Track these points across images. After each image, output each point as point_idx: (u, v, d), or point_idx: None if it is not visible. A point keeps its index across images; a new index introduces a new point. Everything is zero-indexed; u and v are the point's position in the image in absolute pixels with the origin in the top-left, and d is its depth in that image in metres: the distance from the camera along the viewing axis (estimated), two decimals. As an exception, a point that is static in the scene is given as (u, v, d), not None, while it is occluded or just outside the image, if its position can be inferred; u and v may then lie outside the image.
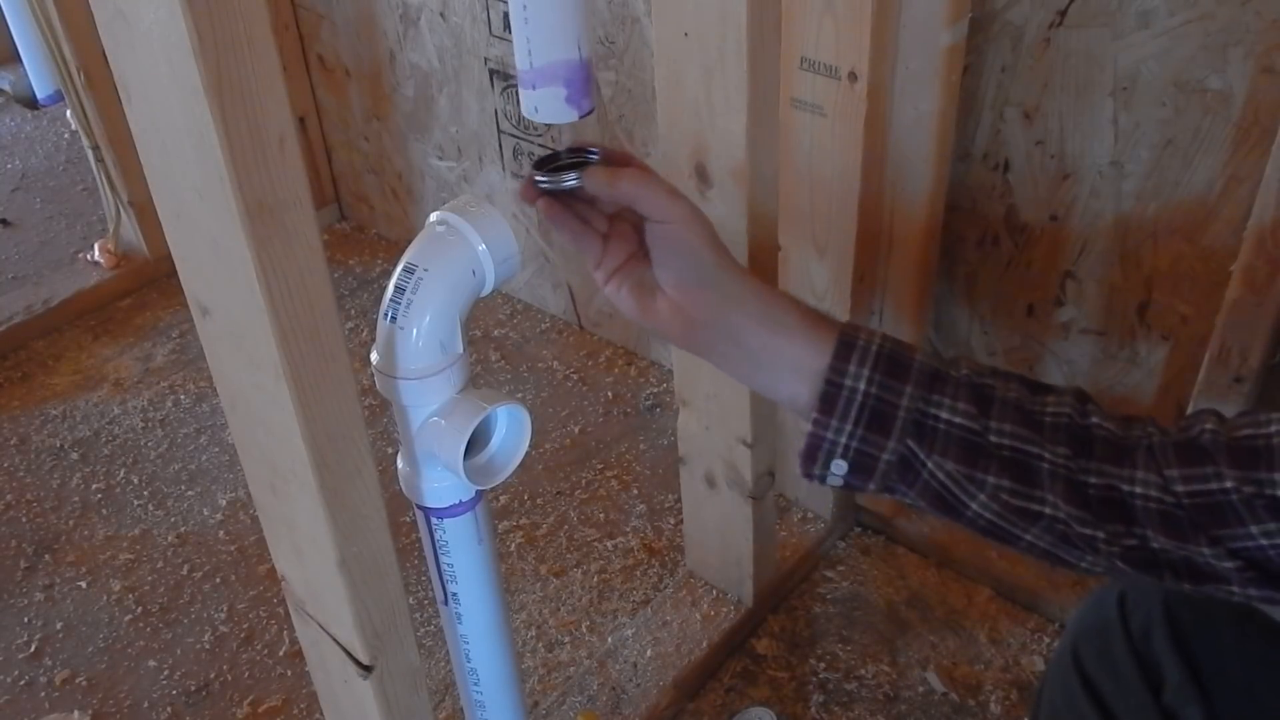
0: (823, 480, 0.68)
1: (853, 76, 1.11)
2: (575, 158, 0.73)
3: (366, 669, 0.76)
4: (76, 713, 1.30)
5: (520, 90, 0.72)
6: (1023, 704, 1.24)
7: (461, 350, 0.74)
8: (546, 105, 0.71)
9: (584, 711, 1.23)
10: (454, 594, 0.83)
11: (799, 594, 1.38)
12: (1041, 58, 1.13)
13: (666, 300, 0.71)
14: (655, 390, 1.73)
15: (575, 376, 1.77)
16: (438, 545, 0.81)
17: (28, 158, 2.47)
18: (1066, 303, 1.25)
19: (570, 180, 0.71)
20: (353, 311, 1.93)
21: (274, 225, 0.57)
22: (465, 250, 0.72)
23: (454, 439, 0.72)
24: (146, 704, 1.31)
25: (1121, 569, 0.63)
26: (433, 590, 0.89)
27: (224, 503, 1.58)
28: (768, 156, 0.99)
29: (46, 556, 1.51)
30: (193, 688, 1.33)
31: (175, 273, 0.65)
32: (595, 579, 1.43)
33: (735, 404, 1.15)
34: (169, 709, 1.30)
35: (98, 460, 1.66)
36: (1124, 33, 1.06)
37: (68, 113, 1.89)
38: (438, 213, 0.73)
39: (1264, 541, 0.58)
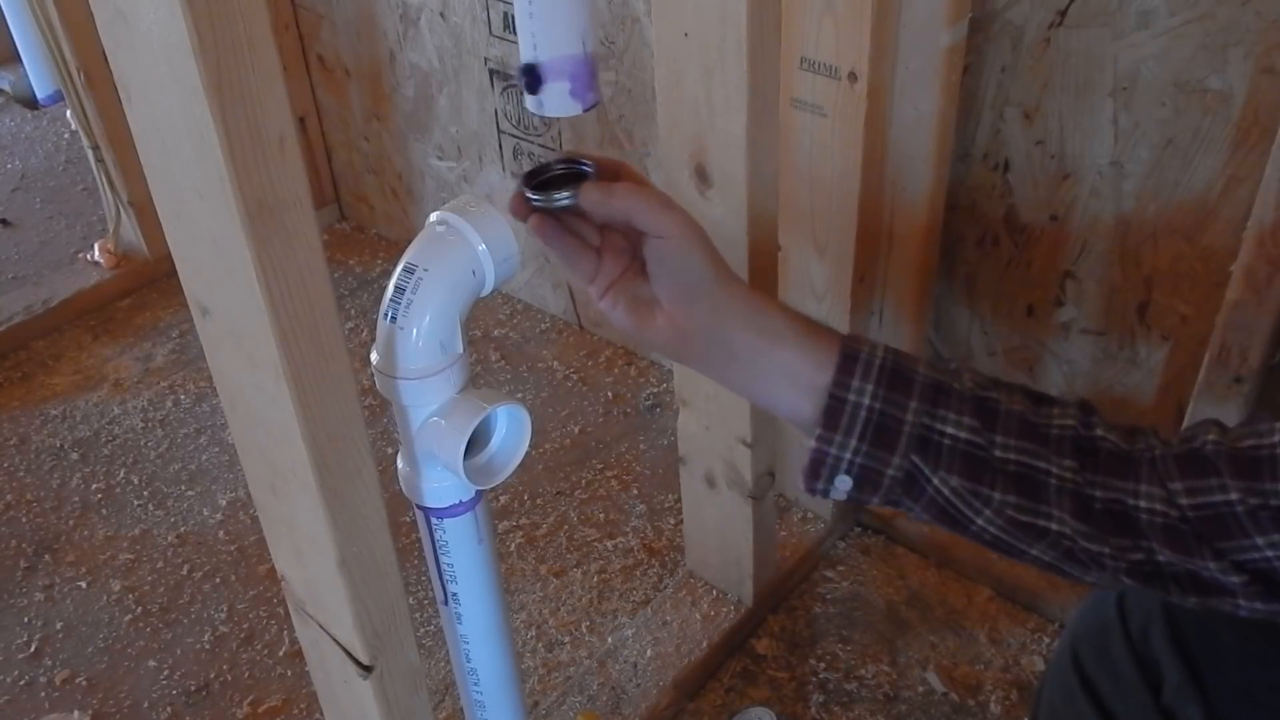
0: (826, 495, 0.67)
1: (853, 76, 1.11)
2: (566, 168, 0.72)
3: (366, 669, 0.76)
4: (76, 713, 1.30)
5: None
6: (1023, 704, 1.24)
7: (461, 350, 0.74)
8: (551, 99, 0.71)
9: (584, 711, 1.23)
10: (454, 594, 0.83)
11: (799, 594, 1.38)
12: (1041, 58, 1.13)
13: (663, 314, 0.69)
14: (655, 390, 1.73)
15: (575, 376, 1.77)
16: (438, 545, 0.81)
17: (28, 158, 2.47)
18: (1066, 303, 1.25)
19: (563, 199, 0.69)
20: (353, 311, 1.93)
21: (274, 225, 0.57)
22: (465, 250, 0.71)
23: (454, 439, 0.72)
24: (146, 704, 1.31)
25: (1128, 583, 0.63)
26: (433, 590, 0.89)
27: (224, 503, 1.58)
28: (768, 156, 0.99)
29: (46, 556, 1.51)
30: (193, 688, 1.33)
31: (175, 273, 0.65)
32: (595, 579, 1.43)
33: (735, 404, 1.15)
34: (169, 709, 1.30)
35: (98, 460, 1.66)
36: (1124, 33, 1.06)
37: (68, 113, 1.89)
38: (438, 213, 0.73)
39: (1269, 553, 0.57)
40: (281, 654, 1.36)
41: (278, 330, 0.60)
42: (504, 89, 1.69)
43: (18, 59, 1.88)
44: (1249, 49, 1.00)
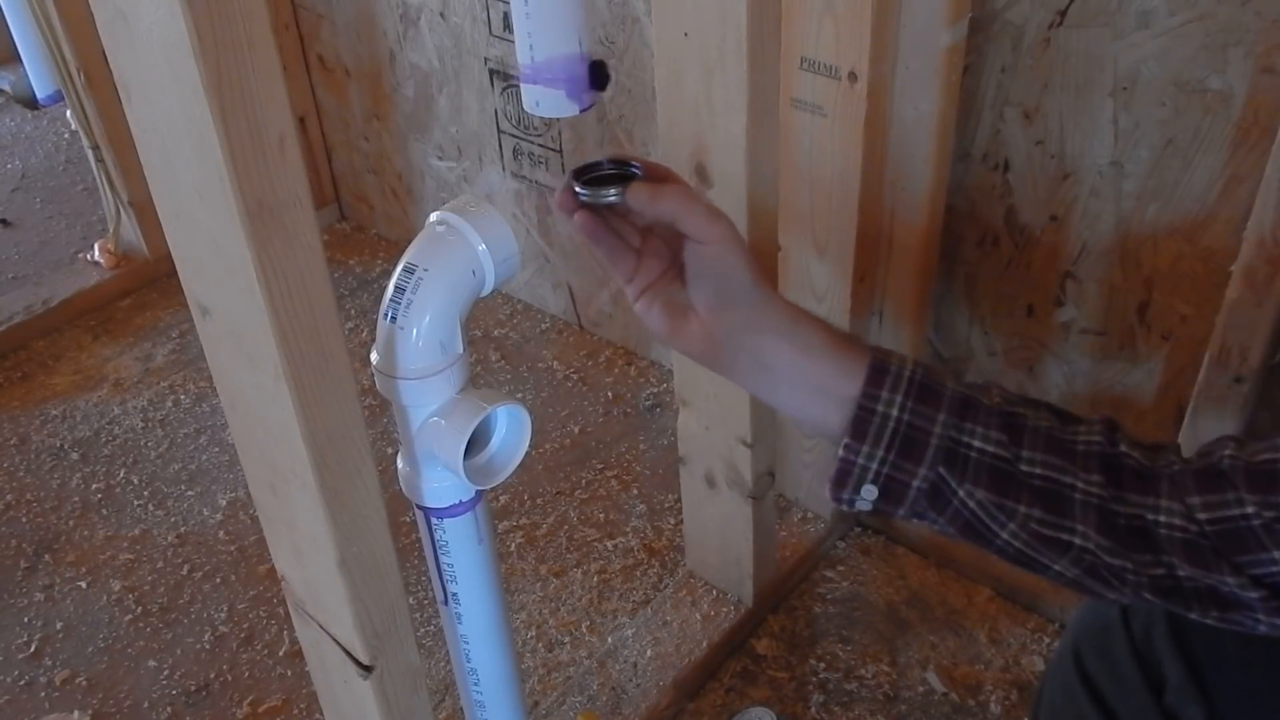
0: (851, 505, 0.67)
1: (853, 76, 1.11)
2: (615, 169, 0.71)
3: (366, 669, 0.76)
4: (76, 713, 1.30)
5: (521, 84, 0.72)
6: (1023, 704, 1.24)
7: (461, 350, 0.74)
8: (547, 99, 0.71)
9: (584, 711, 1.23)
10: (454, 594, 0.83)
11: (799, 594, 1.38)
12: (1041, 58, 1.13)
13: (698, 320, 0.70)
14: (655, 390, 1.73)
15: (575, 376, 1.77)
16: (438, 545, 0.81)
17: (28, 158, 2.47)
18: (1066, 303, 1.25)
19: (611, 195, 0.69)
20: (353, 311, 1.93)
21: (274, 225, 0.57)
22: (465, 250, 0.71)
23: (454, 439, 0.72)
24: (146, 704, 1.31)
25: (1149, 600, 0.63)
26: (433, 590, 0.89)
27: (224, 503, 1.58)
28: (768, 156, 0.99)
29: (46, 556, 1.51)
30: (193, 688, 1.33)
31: (175, 273, 0.65)
32: (595, 579, 1.43)
33: (735, 404, 1.15)
34: (169, 709, 1.30)
35: (98, 460, 1.66)
36: (1124, 33, 1.06)
37: (68, 113, 1.89)
38: (438, 213, 0.73)
39: None
40: (281, 654, 1.36)
41: (278, 330, 0.60)
42: (504, 89, 1.69)
43: (18, 59, 1.88)
44: (1249, 49, 1.00)
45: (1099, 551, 0.62)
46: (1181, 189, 1.10)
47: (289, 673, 1.33)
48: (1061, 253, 1.22)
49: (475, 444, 0.75)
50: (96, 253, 2.00)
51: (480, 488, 0.77)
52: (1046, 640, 1.30)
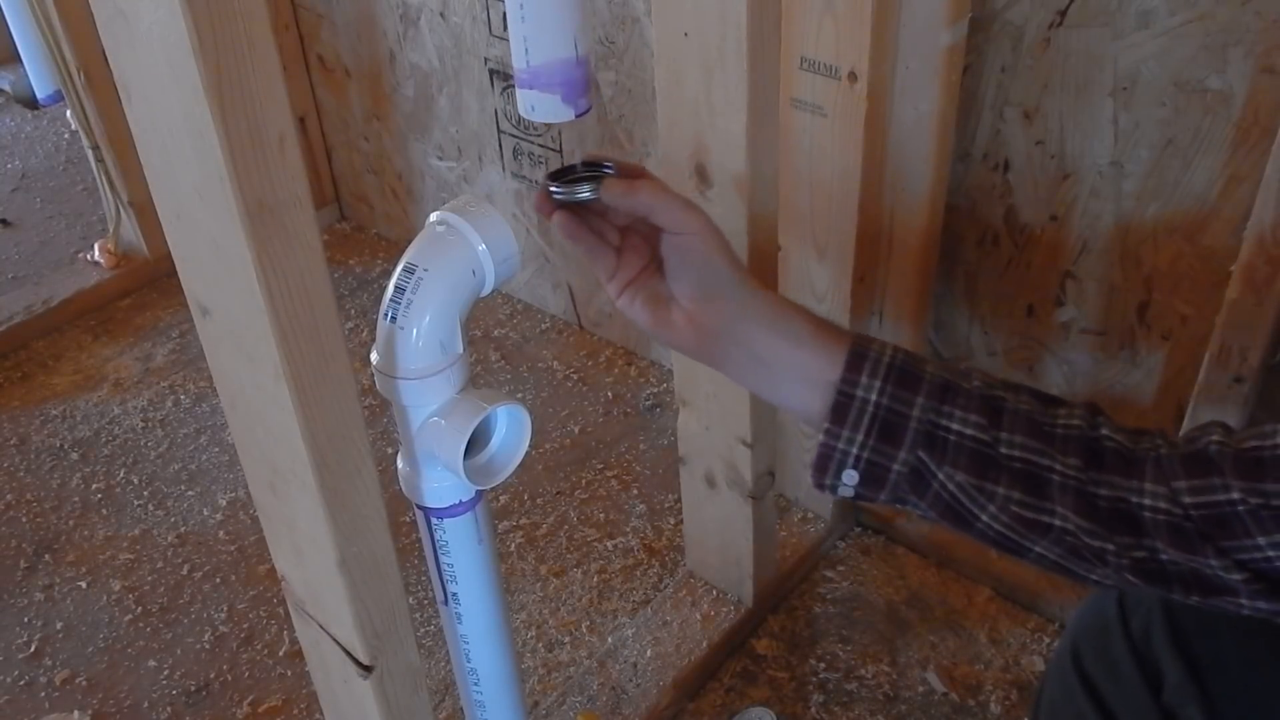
0: (834, 491, 0.68)
1: (853, 76, 1.11)
2: (590, 170, 0.73)
3: (366, 669, 0.76)
4: (76, 713, 1.30)
5: (517, 89, 0.72)
6: (1023, 704, 1.24)
7: (461, 350, 0.74)
8: (543, 104, 0.71)
9: (584, 711, 1.23)
10: (454, 594, 0.83)
11: (799, 594, 1.38)
12: (1041, 58, 1.13)
13: (680, 311, 0.71)
14: (655, 390, 1.73)
15: (575, 376, 1.77)
16: (438, 545, 0.81)
17: (28, 158, 2.47)
18: (1066, 303, 1.25)
19: (585, 192, 0.71)
20: (353, 311, 1.93)
21: (274, 225, 0.57)
22: (465, 250, 0.72)
23: (454, 439, 0.72)
24: (146, 704, 1.31)
25: (1131, 581, 0.63)
26: (433, 590, 0.89)
27: (224, 503, 1.58)
28: (768, 156, 0.99)
29: (46, 556, 1.51)
30: (193, 688, 1.33)
31: (175, 273, 0.65)
32: (595, 579, 1.43)
33: (735, 404, 1.15)
34: (169, 709, 1.30)
35: (98, 460, 1.66)
36: (1124, 33, 1.06)
37: (68, 113, 1.89)
38: (438, 213, 0.73)
39: (1271, 553, 0.58)
40: (281, 654, 1.36)
41: (278, 330, 0.60)
42: (504, 89, 1.69)
43: (18, 59, 1.88)
44: (1249, 49, 1.00)
45: (1079, 533, 0.62)
46: (1181, 189, 1.10)
47: (289, 673, 1.33)
48: (1061, 253, 1.22)
49: (475, 444, 0.75)
50: (96, 253, 2.00)
51: (480, 488, 0.77)
52: (1046, 640, 1.30)
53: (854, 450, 0.66)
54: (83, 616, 1.42)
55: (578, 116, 0.72)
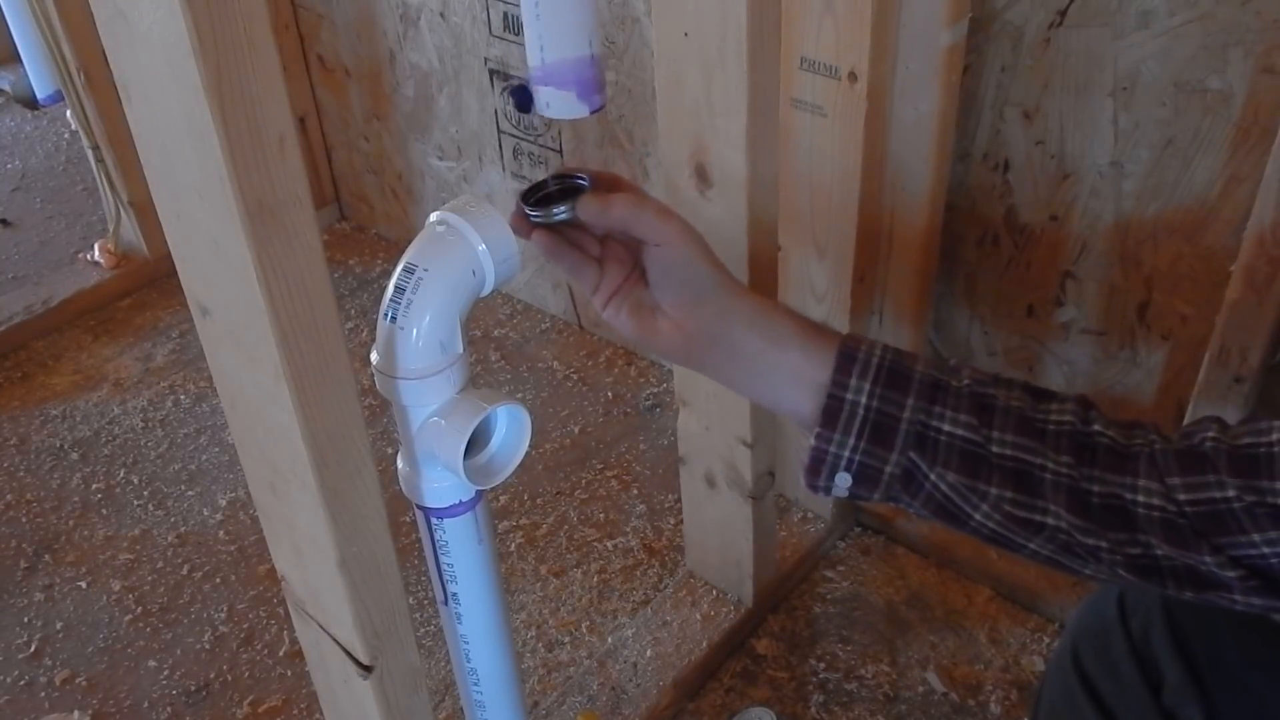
0: (828, 492, 0.68)
1: (853, 76, 1.11)
2: (561, 184, 0.73)
3: (366, 669, 0.76)
4: (76, 713, 1.30)
5: (531, 86, 0.72)
6: (1023, 704, 1.24)
7: (461, 350, 0.73)
8: (558, 101, 0.71)
9: (584, 711, 1.23)
10: (454, 594, 0.83)
11: (799, 594, 1.38)
12: (1041, 58, 1.13)
13: (666, 319, 0.71)
14: (655, 390, 1.73)
15: (575, 376, 1.77)
16: (438, 545, 0.81)
17: (28, 158, 2.47)
18: (1066, 303, 1.25)
19: (561, 213, 0.71)
20: (353, 311, 1.93)
21: (274, 225, 0.57)
22: (465, 250, 0.71)
23: (454, 439, 0.72)
24: (146, 704, 1.31)
25: (1125, 577, 0.63)
26: (433, 590, 0.89)
27: (224, 503, 1.58)
28: (768, 156, 0.99)
29: (46, 556, 1.51)
30: (193, 688, 1.33)
31: (175, 273, 0.65)
32: (595, 579, 1.43)
33: (735, 404, 1.15)
34: (169, 709, 1.30)
35: (98, 460, 1.66)
36: (1124, 33, 1.06)
37: (68, 113, 1.89)
38: (438, 213, 0.73)
39: (1266, 550, 0.58)
40: (281, 654, 1.36)
41: (278, 330, 0.60)
42: (504, 89, 1.69)
43: (18, 59, 1.88)
44: (1249, 49, 1.00)
45: (1072, 530, 0.62)
46: (1181, 189, 1.10)
47: (289, 673, 1.33)
48: (1061, 252, 1.22)
49: (475, 444, 0.75)
50: (96, 253, 2.00)
51: (480, 488, 0.77)
52: (1046, 640, 1.30)
53: (845, 453, 0.66)
54: (83, 616, 1.42)
55: (592, 113, 0.72)
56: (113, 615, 1.42)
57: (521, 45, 0.68)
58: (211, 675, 1.34)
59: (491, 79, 1.69)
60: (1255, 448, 0.59)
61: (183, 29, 0.50)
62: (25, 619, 1.42)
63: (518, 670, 0.93)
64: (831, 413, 0.65)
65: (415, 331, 0.71)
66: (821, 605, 1.37)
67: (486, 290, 0.74)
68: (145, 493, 1.60)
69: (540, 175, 1.72)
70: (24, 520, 1.56)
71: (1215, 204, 1.08)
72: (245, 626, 1.40)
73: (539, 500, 1.55)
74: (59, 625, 1.41)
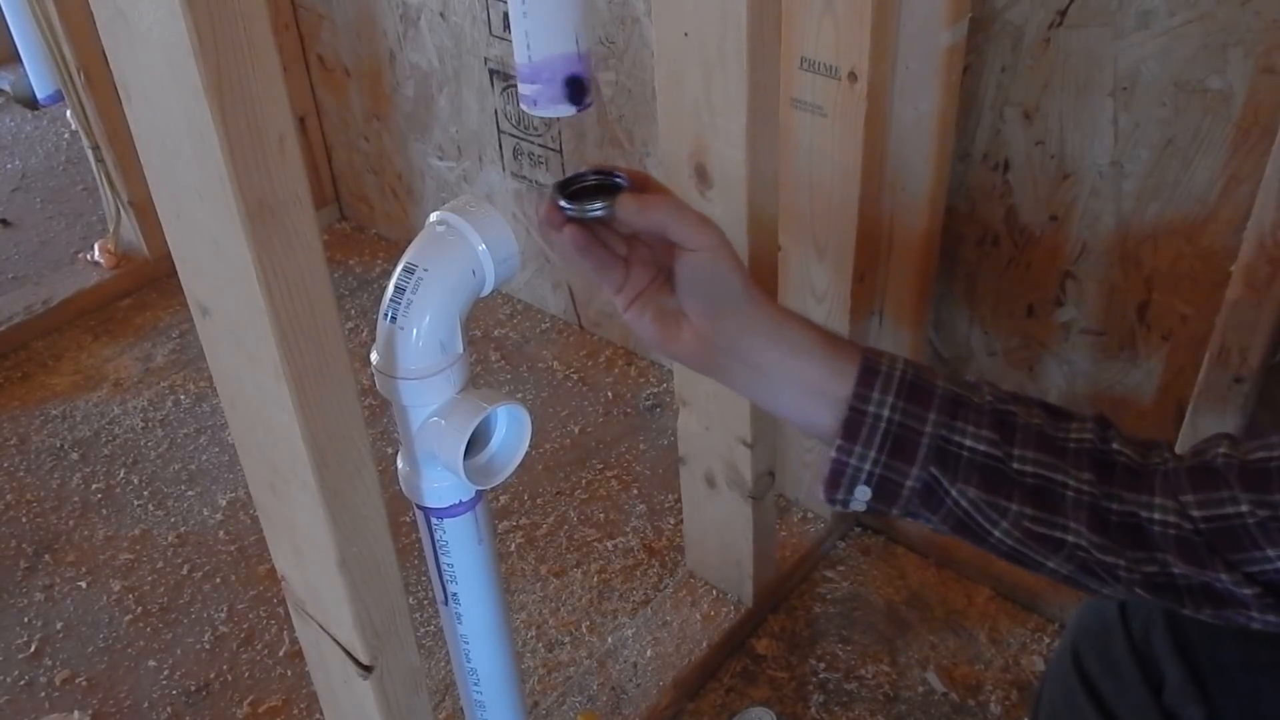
0: (846, 505, 0.67)
1: (853, 76, 1.11)
2: (600, 179, 0.71)
3: (366, 669, 0.76)
4: (76, 713, 1.30)
5: (519, 84, 0.72)
6: (1023, 704, 1.24)
7: (461, 350, 0.74)
8: (545, 98, 0.71)
9: (584, 711, 1.23)
10: (454, 594, 0.83)
11: (799, 594, 1.38)
12: (1041, 58, 1.13)
13: (688, 326, 0.70)
14: (655, 390, 1.73)
15: (575, 376, 1.77)
16: (438, 545, 0.81)
17: (28, 158, 2.47)
18: (1066, 303, 1.25)
19: (598, 209, 0.69)
20: (353, 311, 1.93)
21: (274, 225, 0.57)
22: (465, 250, 0.71)
23: (454, 439, 0.72)
24: (146, 704, 1.31)
25: (1142, 596, 0.63)
26: (433, 590, 0.89)
27: (224, 503, 1.58)
28: (768, 156, 0.99)
29: (46, 556, 1.51)
30: (193, 688, 1.33)
31: (175, 273, 0.65)
32: (595, 579, 1.43)
33: (735, 404, 1.15)
34: (169, 709, 1.30)
35: (98, 460, 1.66)
36: (1124, 33, 1.06)
37: (68, 113, 1.89)
38: (438, 213, 0.73)
39: None
40: (281, 654, 1.36)
41: (278, 330, 0.60)
42: (504, 89, 1.69)
43: (18, 59, 1.88)
44: (1249, 49, 1.00)
45: (1091, 548, 0.62)
46: (1181, 189, 1.10)
47: (289, 673, 1.33)
48: (1061, 253, 1.22)
49: (475, 444, 0.75)
50: (96, 253, 2.00)
51: (480, 488, 0.77)
52: (1046, 640, 1.30)
53: (866, 466, 0.65)
54: (83, 616, 1.42)
55: (579, 110, 0.71)
56: (113, 615, 1.42)
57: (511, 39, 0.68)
58: (211, 675, 1.34)
59: (491, 79, 1.69)
60: (1267, 462, 0.59)
61: (183, 29, 0.50)
62: (25, 619, 1.42)
63: (518, 670, 0.93)
64: (853, 425, 0.65)
65: (415, 331, 0.71)
66: (821, 605, 1.37)
67: (486, 290, 0.74)
68: (145, 493, 1.60)
69: (541, 175, 1.73)
70: (24, 520, 1.56)
71: (1215, 204, 1.08)
72: (245, 626, 1.40)
73: (539, 500, 1.55)
74: (59, 625, 1.41)
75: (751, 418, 1.15)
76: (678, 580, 1.38)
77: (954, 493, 0.64)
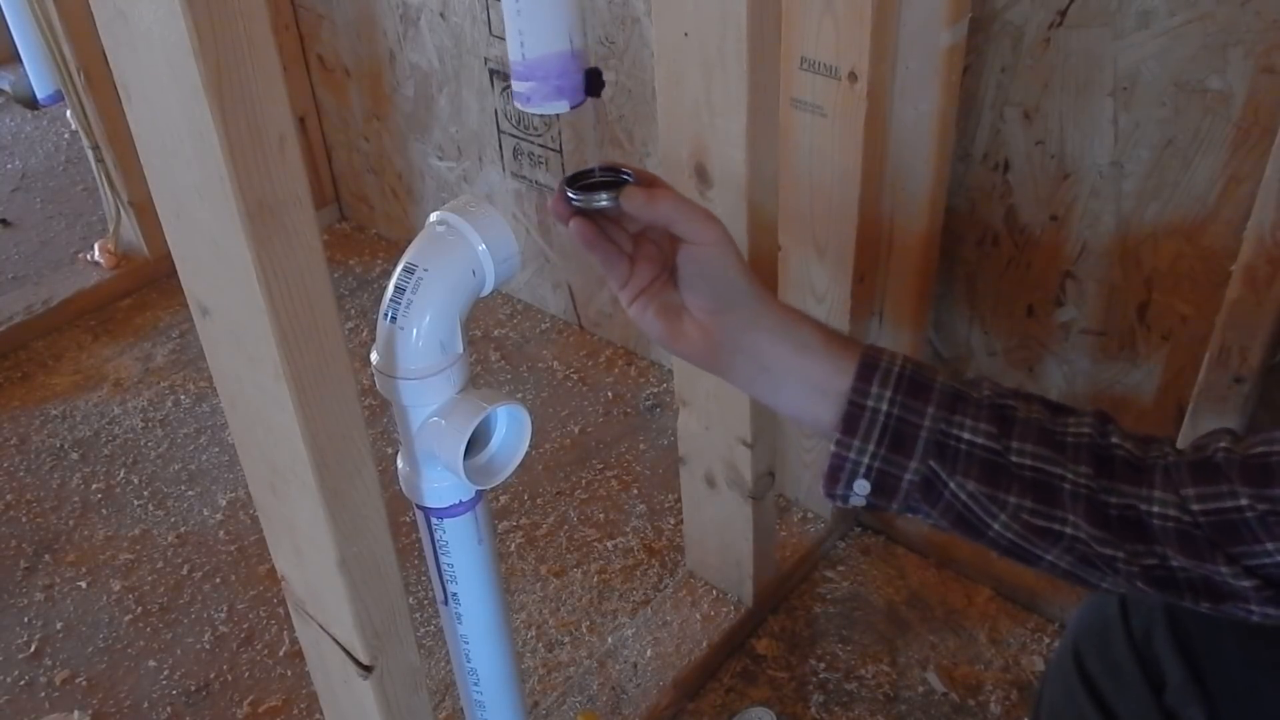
0: (845, 500, 0.68)
1: (853, 76, 1.11)
2: (608, 176, 0.72)
3: (366, 669, 0.76)
4: (76, 713, 1.30)
5: (513, 81, 0.72)
6: (1023, 704, 1.24)
7: (461, 350, 0.74)
8: (539, 96, 0.71)
9: (584, 711, 1.23)
10: (454, 594, 0.83)
11: (799, 594, 1.38)
12: (1041, 58, 1.13)
13: (692, 322, 0.71)
14: (655, 390, 1.73)
15: (575, 376, 1.77)
16: (438, 545, 0.81)
17: (28, 158, 2.47)
18: (1066, 303, 1.25)
19: (604, 200, 0.70)
20: (353, 311, 1.93)
21: (274, 225, 0.57)
22: (465, 250, 0.72)
23: (454, 439, 0.72)
24: (146, 704, 1.31)
25: (1142, 589, 0.63)
26: (433, 590, 0.89)
27: (224, 503, 1.58)
28: (768, 156, 0.99)
29: (46, 556, 1.51)
30: (193, 688, 1.33)
31: (175, 273, 0.65)
32: (595, 579, 1.43)
33: (735, 404, 1.15)
34: (169, 709, 1.30)
35: (98, 460, 1.66)
36: (1124, 33, 1.06)
37: (68, 113, 1.89)
38: (438, 213, 0.73)
39: None
40: (281, 654, 1.36)
41: (278, 330, 0.60)
42: (504, 89, 1.69)
43: (18, 59, 1.88)
44: (1249, 49, 1.00)
45: (1090, 541, 0.62)
46: (1181, 189, 1.10)
47: (289, 673, 1.33)
48: (1061, 253, 1.22)
49: (475, 444, 0.75)
50: (96, 253, 2.00)
51: (480, 488, 0.77)
52: (1046, 640, 1.30)
53: (865, 460, 0.66)
54: (83, 616, 1.42)
55: (573, 108, 0.72)
56: (113, 615, 1.42)
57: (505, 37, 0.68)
58: (211, 675, 1.34)
59: (491, 79, 1.69)
60: (1268, 457, 0.59)
61: (183, 29, 0.50)
62: (25, 619, 1.42)
63: (518, 670, 0.93)
64: (852, 420, 0.66)
65: (415, 331, 0.71)
66: (821, 605, 1.37)
67: (486, 290, 0.74)
68: (145, 493, 1.60)
69: (541, 175, 1.73)
70: (24, 520, 1.56)
71: (1215, 204, 1.08)
72: (245, 626, 1.40)
73: (539, 500, 1.55)
74: (59, 625, 1.41)
75: (752, 418, 1.15)
76: (678, 580, 1.38)
77: (953, 485, 0.64)
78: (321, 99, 2.05)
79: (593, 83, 0.72)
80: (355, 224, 2.19)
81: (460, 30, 1.69)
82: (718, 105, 0.95)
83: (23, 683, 1.34)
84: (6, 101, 2.60)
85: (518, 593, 1.41)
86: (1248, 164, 1.04)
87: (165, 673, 1.35)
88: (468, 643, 0.87)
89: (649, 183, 0.72)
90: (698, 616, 1.32)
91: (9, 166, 2.43)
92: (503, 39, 1.62)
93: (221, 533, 1.53)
